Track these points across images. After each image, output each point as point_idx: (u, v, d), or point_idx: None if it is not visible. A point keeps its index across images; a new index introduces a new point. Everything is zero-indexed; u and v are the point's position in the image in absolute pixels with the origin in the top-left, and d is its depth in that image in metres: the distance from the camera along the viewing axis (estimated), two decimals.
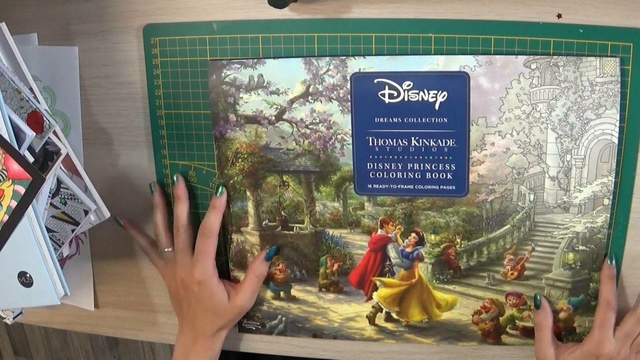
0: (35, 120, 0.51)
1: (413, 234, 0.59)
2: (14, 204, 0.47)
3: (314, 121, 0.57)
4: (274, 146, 0.59)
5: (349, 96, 0.56)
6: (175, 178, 0.61)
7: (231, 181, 0.61)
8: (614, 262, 0.55)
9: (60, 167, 0.54)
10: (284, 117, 0.58)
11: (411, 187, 0.57)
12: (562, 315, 0.58)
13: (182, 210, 0.60)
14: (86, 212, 0.57)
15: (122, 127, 0.63)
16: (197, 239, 0.60)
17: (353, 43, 0.55)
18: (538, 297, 0.57)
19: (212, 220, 0.59)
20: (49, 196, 0.53)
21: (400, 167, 0.57)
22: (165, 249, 0.62)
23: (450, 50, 0.53)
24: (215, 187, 0.61)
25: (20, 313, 0.62)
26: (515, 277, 0.58)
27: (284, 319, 0.65)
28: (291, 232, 0.61)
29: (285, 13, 0.55)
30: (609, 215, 0.55)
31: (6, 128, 0.47)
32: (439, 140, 0.55)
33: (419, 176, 0.57)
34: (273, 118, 0.58)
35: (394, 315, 0.62)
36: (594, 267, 0.56)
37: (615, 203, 0.55)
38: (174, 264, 0.61)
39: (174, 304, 0.64)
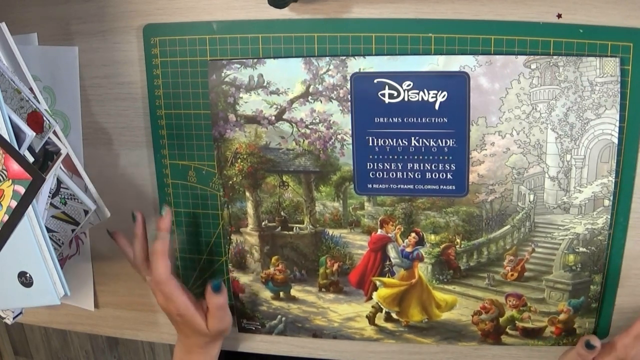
0: (35, 120, 0.51)
1: (413, 234, 0.59)
2: (14, 204, 0.47)
3: (314, 121, 0.57)
4: (274, 146, 0.59)
5: (349, 96, 0.56)
6: (135, 215, 0.60)
7: (230, 182, 0.61)
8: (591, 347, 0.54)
9: (60, 167, 0.54)
10: (284, 117, 0.58)
11: (411, 187, 0.57)
12: (562, 317, 0.58)
13: (139, 247, 0.60)
14: (86, 212, 0.57)
15: (122, 127, 0.63)
16: (154, 293, 0.60)
17: (353, 43, 0.55)
18: (593, 344, 0.54)
19: (159, 270, 0.57)
20: (49, 196, 0.53)
21: (400, 167, 0.57)
22: (148, 278, 0.60)
23: (450, 50, 0.53)
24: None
25: (20, 313, 0.62)
26: (515, 278, 0.58)
27: (283, 319, 0.65)
28: (291, 233, 0.61)
29: (285, 13, 0.55)
30: (609, 216, 0.55)
31: (6, 128, 0.47)
32: (439, 140, 0.55)
33: (419, 176, 0.57)
34: (273, 118, 0.58)
35: (394, 315, 0.62)
36: (594, 269, 0.56)
37: (615, 203, 0.55)
38: (154, 291, 0.60)
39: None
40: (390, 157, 0.56)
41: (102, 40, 0.61)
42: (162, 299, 0.59)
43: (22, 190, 0.47)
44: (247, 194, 0.61)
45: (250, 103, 0.58)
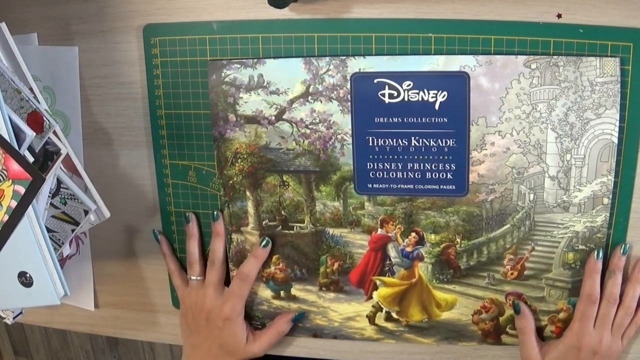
0: (35, 120, 0.51)
1: (413, 234, 0.59)
2: (14, 204, 0.47)
3: (314, 121, 0.57)
4: (274, 146, 0.59)
5: (349, 96, 0.56)
6: (215, 214, 0.62)
7: (231, 181, 0.61)
8: (600, 256, 0.55)
9: (60, 167, 0.54)
10: (284, 117, 0.58)
11: (411, 186, 0.57)
12: (561, 315, 0.58)
13: (219, 246, 0.62)
14: (86, 212, 0.57)
15: (122, 127, 0.63)
16: (234, 280, 0.62)
17: (353, 43, 0.55)
18: (517, 303, 0.58)
19: (250, 268, 0.61)
20: (49, 196, 0.53)
21: (400, 167, 0.57)
22: (195, 277, 0.63)
23: (450, 50, 0.53)
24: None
25: (20, 313, 0.62)
26: (515, 277, 0.58)
27: None
28: (291, 232, 0.61)
29: (285, 13, 0.55)
30: (608, 215, 0.55)
31: (6, 128, 0.47)
32: (439, 140, 0.55)
33: (419, 176, 0.57)
34: (273, 118, 0.58)
35: (394, 315, 0.62)
36: None
37: (615, 203, 0.55)
38: (200, 294, 0.62)
39: (184, 330, 0.65)
40: (390, 157, 0.56)
41: (102, 40, 0.61)
42: (212, 300, 0.61)
43: (22, 190, 0.47)
44: (248, 193, 0.61)
45: (250, 103, 0.58)
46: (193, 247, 0.63)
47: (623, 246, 0.55)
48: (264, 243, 0.61)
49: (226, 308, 0.61)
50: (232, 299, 0.61)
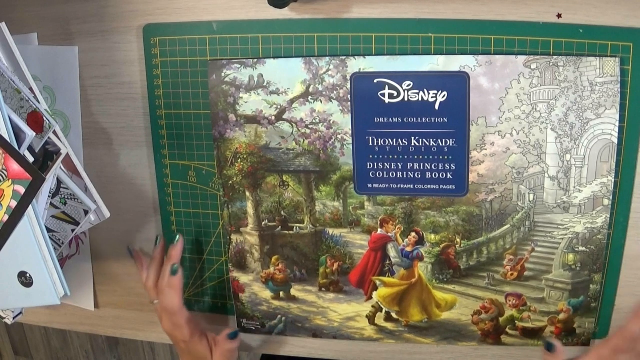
0: (35, 120, 0.51)
1: (413, 234, 0.59)
2: (14, 204, 0.47)
3: (314, 121, 0.57)
4: (274, 146, 0.59)
5: (349, 96, 0.56)
6: (177, 238, 0.62)
7: (230, 181, 0.61)
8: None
9: (60, 167, 0.54)
10: (284, 117, 0.58)
11: (411, 186, 0.57)
12: (562, 316, 0.58)
13: (177, 281, 0.61)
14: (86, 212, 0.57)
15: (122, 127, 0.63)
16: (163, 317, 0.61)
17: (353, 43, 0.55)
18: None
19: (171, 300, 0.60)
20: (49, 196, 0.53)
21: (400, 167, 0.57)
22: (155, 301, 0.63)
23: (450, 50, 0.53)
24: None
25: (20, 313, 0.62)
26: (515, 278, 0.58)
27: (283, 318, 0.65)
28: (291, 232, 0.61)
29: (285, 13, 0.55)
30: (608, 216, 0.55)
31: (6, 128, 0.47)
32: (439, 140, 0.55)
33: (419, 176, 0.57)
34: (273, 118, 0.58)
35: (394, 315, 0.62)
36: (594, 268, 0.56)
37: (615, 203, 0.55)
38: (161, 316, 0.62)
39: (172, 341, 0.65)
40: (390, 157, 0.56)
41: (102, 40, 0.61)
42: (169, 325, 0.62)
43: (22, 190, 0.47)
44: (247, 193, 0.61)
45: (250, 103, 0.58)
46: (152, 272, 0.63)
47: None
48: (172, 270, 0.60)
49: (178, 335, 0.61)
50: (176, 330, 0.61)
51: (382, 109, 0.55)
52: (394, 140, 0.56)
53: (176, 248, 0.62)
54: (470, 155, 0.55)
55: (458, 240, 0.58)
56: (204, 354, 0.62)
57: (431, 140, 0.55)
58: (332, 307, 0.63)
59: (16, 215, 0.48)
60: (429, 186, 0.57)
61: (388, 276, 0.61)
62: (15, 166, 0.47)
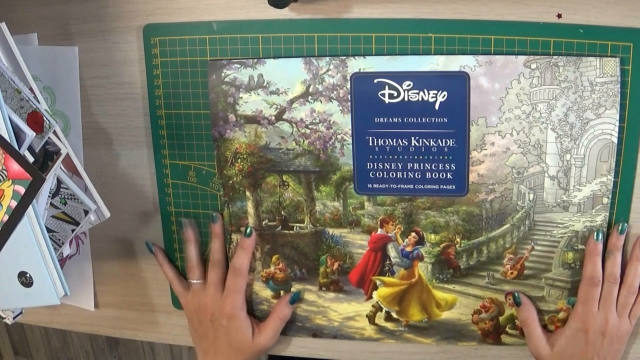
0: (35, 120, 0.51)
1: (413, 234, 0.59)
2: (14, 204, 0.47)
3: (314, 121, 0.57)
4: (274, 146, 0.59)
5: (349, 96, 0.56)
6: (214, 216, 0.62)
7: (230, 181, 0.61)
8: (600, 238, 0.55)
9: (60, 167, 0.54)
10: (284, 117, 0.58)
11: (411, 186, 0.57)
12: (561, 315, 0.58)
13: (219, 246, 0.62)
14: (86, 212, 0.57)
15: (122, 127, 0.63)
16: (228, 277, 0.62)
17: (353, 43, 0.55)
18: (517, 295, 0.58)
19: (242, 261, 0.61)
20: (49, 196, 0.53)
21: (400, 167, 0.57)
22: (196, 281, 0.63)
23: (450, 50, 0.53)
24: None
25: (20, 313, 0.62)
26: (515, 277, 0.58)
27: None
28: (291, 232, 0.61)
29: (285, 13, 0.55)
30: (607, 214, 0.55)
31: (6, 128, 0.47)
32: (439, 140, 0.55)
33: (419, 176, 0.57)
34: (273, 118, 0.58)
35: (394, 315, 0.62)
36: None
37: (615, 203, 0.55)
38: (203, 296, 0.62)
39: (194, 336, 0.65)
40: (390, 157, 0.57)
41: (102, 40, 0.61)
42: (214, 300, 0.61)
43: (22, 190, 0.47)
44: (248, 193, 0.61)
45: (250, 103, 0.58)
46: (191, 252, 0.63)
47: (620, 225, 0.55)
48: (247, 232, 0.61)
49: (227, 305, 0.61)
50: (230, 295, 0.61)
51: (382, 109, 0.55)
52: (394, 140, 0.56)
53: (218, 225, 0.62)
54: (470, 155, 0.55)
55: (458, 240, 0.58)
56: (245, 332, 0.61)
57: (431, 140, 0.55)
58: (332, 307, 0.63)
59: (16, 215, 0.48)
60: (429, 186, 0.57)
61: (388, 276, 0.61)
62: (15, 166, 0.47)
